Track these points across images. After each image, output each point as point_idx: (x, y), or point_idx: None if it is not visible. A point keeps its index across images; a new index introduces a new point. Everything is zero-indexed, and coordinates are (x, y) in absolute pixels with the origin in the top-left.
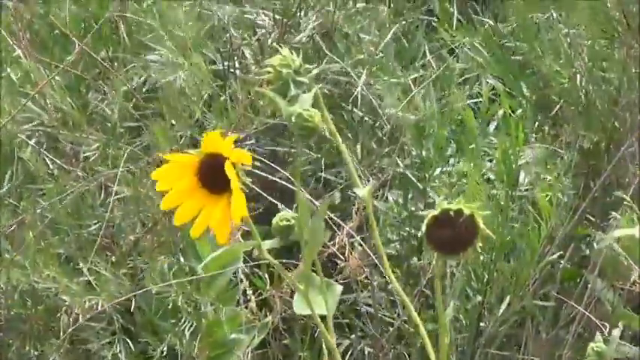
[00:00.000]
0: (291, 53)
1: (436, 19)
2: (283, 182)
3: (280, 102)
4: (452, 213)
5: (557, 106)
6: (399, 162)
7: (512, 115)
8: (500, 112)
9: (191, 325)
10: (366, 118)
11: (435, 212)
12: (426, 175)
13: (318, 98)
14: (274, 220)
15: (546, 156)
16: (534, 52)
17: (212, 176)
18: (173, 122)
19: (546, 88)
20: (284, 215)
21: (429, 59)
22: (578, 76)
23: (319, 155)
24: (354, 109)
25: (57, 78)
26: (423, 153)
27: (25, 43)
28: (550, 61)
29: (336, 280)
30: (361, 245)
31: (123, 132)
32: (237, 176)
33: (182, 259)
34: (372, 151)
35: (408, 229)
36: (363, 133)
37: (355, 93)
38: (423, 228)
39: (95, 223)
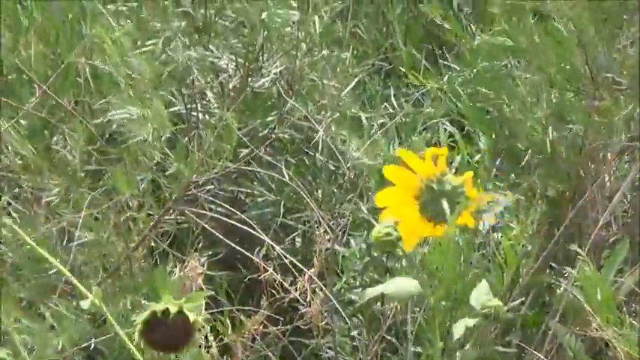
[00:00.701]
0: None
1: (399, 66)
2: (244, 227)
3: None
4: (160, 314)
5: (525, 155)
6: (362, 206)
7: (469, 161)
8: (458, 158)
9: None
10: (328, 163)
11: (145, 316)
12: None
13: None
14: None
15: (512, 204)
16: (500, 99)
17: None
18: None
19: (513, 136)
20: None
21: (393, 105)
22: (543, 124)
23: (279, 198)
24: (316, 155)
25: (20, 122)
26: None
27: None
28: (515, 109)
29: (297, 326)
30: (322, 290)
31: (84, 176)
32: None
33: (145, 303)
34: (333, 195)
35: (370, 274)
36: (325, 178)
37: (316, 138)
38: (136, 334)
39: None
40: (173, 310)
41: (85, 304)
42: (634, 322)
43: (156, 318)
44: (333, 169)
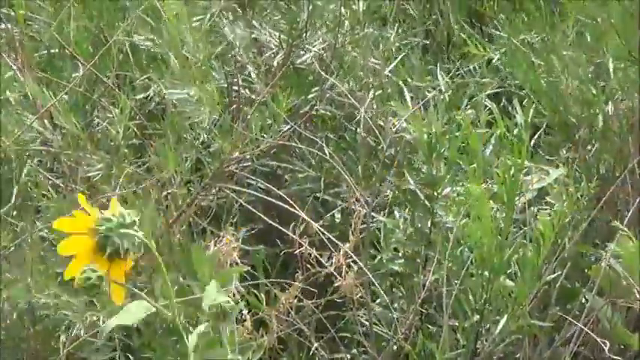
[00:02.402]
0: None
1: (443, 42)
2: (282, 203)
3: None
4: None
5: (574, 130)
6: (410, 179)
7: (507, 136)
8: (497, 132)
9: (190, 345)
10: (368, 139)
11: None
12: (434, 194)
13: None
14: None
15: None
16: (554, 71)
17: None
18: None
19: (566, 110)
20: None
21: (437, 80)
22: (597, 97)
23: (319, 174)
24: (357, 130)
25: (63, 97)
26: (433, 172)
27: (22, 61)
28: (568, 81)
29: (332, 300)
30: (357, 264)
31: (126, 152)
32: None
33: (181, 279)
34: (373, 171)
35: (413, 246)
36: (365, 154)
37: (359, 116)
38: None
39: None
40: None
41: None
42: None
43: None
44: (374, 144)
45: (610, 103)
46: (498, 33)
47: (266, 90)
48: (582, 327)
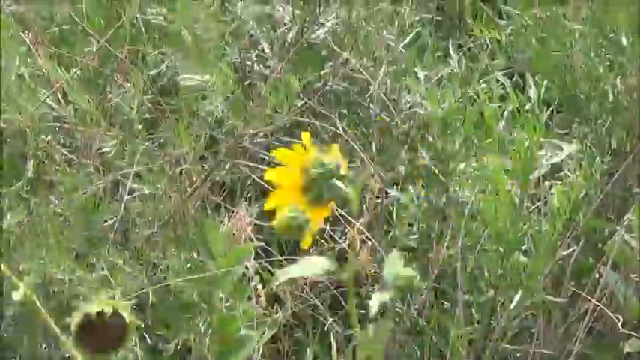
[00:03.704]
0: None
1: (456, 17)
2: None
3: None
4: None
5: (585, 105)
6: (424, 154)
7: (520, 110)
8: (510, 107)
9: (204, 321)
10: (382, 115)
11: (78, 320)
12: (449, 169)
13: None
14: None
15: (572, 153)
16: (564, 48)
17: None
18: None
19: (575, 85)
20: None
21: (450, 56)
22: (607, 73)
23: None
24: (370, 106)
25: (76, 72)
26: (448, 147)
27: (35, 37)
28: (578, 57)
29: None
30: (371, 240)
31: (140, 128)
32: None
33: (195, 255)
34: (387, 147)
35: (428, 221)
36: (378, 130)
37: (371, 91)
38: (72, 336)
39: (109, 219)
40: (107, 310)
41: (15, 296)
42: None
43: (89, 320)
44: (387, 120)
45: (619, 78)
46: (509, 9)
47: (280, 66)
48: (596, 302)
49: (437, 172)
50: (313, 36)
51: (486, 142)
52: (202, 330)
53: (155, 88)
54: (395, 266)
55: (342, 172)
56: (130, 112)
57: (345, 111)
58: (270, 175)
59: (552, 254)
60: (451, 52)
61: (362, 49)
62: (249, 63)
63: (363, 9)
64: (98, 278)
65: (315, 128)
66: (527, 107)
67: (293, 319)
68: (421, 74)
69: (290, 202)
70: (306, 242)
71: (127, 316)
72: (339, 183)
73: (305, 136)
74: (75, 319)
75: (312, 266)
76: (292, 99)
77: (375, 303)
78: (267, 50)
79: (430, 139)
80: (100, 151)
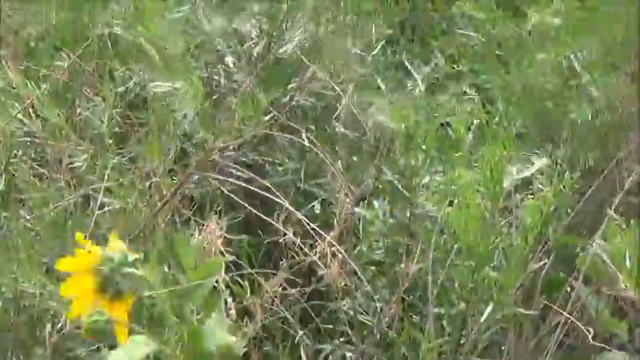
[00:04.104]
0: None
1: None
2: (264, 192)
3: None
4: None
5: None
6: (386, 170)
7: (488, 124)
8: (477, 121)
9: (175, 334)
10: (348, 130)
11: None
12: (414, 184)
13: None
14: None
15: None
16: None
17: None
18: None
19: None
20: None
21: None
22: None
23: (299, 166)
24: (337, 124)
25: (46, 87)
26: (412, 162)
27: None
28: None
29: (317, 289)
30: (341, 253)
31: (110, 142)
32: None
33: (166, 269)
34: (354, 162)
35: (393, 236)
36: (345, 144)
37: (339, 109)
38: None
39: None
40: None
41: None
42: None
43: None
44: (356, 135)
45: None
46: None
47: (248, 80)
48: (568, 315)
49: (400, 187)
50: (281, 51)
51: (455, 155)
52: (173, 343)
53: (124, 103)
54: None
55: (130, 258)
56: (100, 126)
57: (312, 126)
58: (63, 289)
59: (523, 268)
60: (412, 68)
61: (328, 64)
62: (216, 77)
63: (330, 24)
64: None
65: (283, 144)
66: (495, 120)
67: (263, 332)
68: (384, 88)
69: (90, 305)
70: (122, 338)
71: None
72: (134, 271)
73: (79, 236)
74: None
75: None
76: (260, 114)
77: None
78: (231, 65)
79: (393, 154)
80: (70, 165)
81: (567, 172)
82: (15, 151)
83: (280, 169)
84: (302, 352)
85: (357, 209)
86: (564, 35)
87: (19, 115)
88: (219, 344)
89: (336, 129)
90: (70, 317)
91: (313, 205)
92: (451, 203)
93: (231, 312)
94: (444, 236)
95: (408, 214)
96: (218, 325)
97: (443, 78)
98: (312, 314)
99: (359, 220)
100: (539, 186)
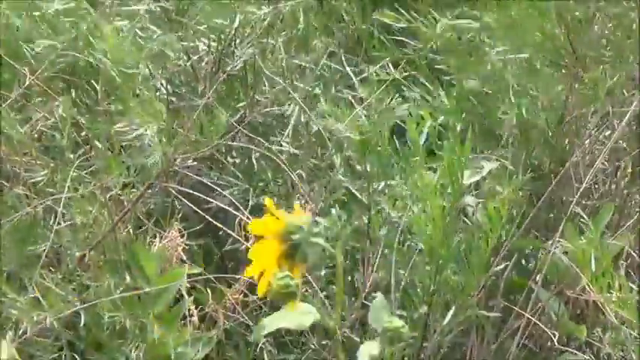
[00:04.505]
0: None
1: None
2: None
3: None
4: None
5: (501, 131)
6: (342, 177)
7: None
8: (428, 123)
9: (137, 343)
10: (294, 149)
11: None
12: (370, 190)
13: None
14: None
15: (496, 172)
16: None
17: None
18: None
19: (486, 114)
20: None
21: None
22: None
23: (249, 186)
24: (286, 140)
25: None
26: (366, 168)
27: None
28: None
29: None
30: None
31: (71, 157)
32: None
33: (128, 278)
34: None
35: (351, 243)
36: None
37: (289, 126)
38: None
39: (40, 244)
40: None
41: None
42: (627, 283)
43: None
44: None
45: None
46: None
47: (208, 96)
48: (530, 317)
49: (356, 192)
50: (230, 67)
51: (412, 158)
52: (136, 351)
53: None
54: (381, 315)
55: (317, 229)
56: (60, 140)
57: (262, 140)
58: (254, 252)
59: (485, 270)
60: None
61: (277, 79)
62: (176, 91)
63: (278, 37)
64: (29, 300)
65: (247, 151)
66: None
67: (225, 338)
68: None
69: (272, 268)
70: (292, 304)
71: None
72: (321, 242)
73: (269, 201)
74: None
75: (298, 317)
76: (219, 129)
77: (364, 354)
78: (182, 81)
79: (349, 161)
80: (30, 180)
81: (517, 175)
82: None
83: (227, 192)
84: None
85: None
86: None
87: None
88: None
89: (284, 144)
90: (248, 275)
91: None
92: (409, 207)
93: (193, 318)
94: (407, 241)
95: (366, 220)
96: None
97: (385, 86)
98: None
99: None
100: (491, 188)
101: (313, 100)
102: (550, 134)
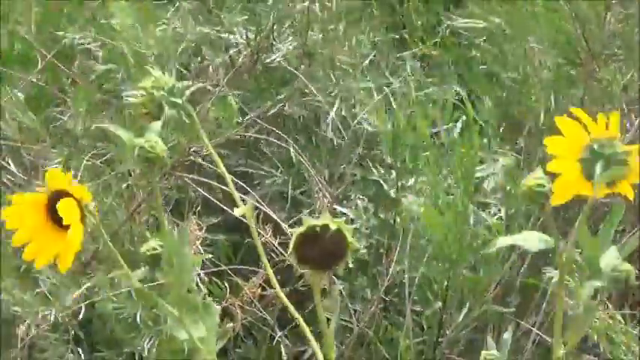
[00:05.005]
0: (163, 74)
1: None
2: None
3: (123, 134)
4: (318, 229)
5: (524, 121)
6: (374, 170)
7: (476, 120)
8: (463, 117)
9: (150, 336)
10: (335, 138)
11: (302, 230)
12: (398, 184)
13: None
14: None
15: (508, 165)
16: (499, 65)
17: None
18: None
19: (511, 103)
20: (151, 244)
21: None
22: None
23: (287, 177)
24: (325, 133)
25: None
26: (396, 162)
27: None
28: (514, 76)
29: (296, 289)
30: None
31: (86, 144)
32: (80, 209)
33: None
34: (338, 167)
35: (377, 236)
36: (331, 152)
37: (327, 118)
38: (291, 246)
39: None
40: (332, 227)
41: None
42: None
43: (313, 233)
44: (340, 140)
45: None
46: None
47: (222, 84)
48: (544, 315)
49: (386, 187)
50: (268, 60)
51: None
52: (147, 345)
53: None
54: (610, 257)
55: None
56: (74, 129)
57: (298, 136)
58: (551, 142)
59: (500, 266)
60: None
61: (317, 73)
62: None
63: (320, 31)
64: (40, 296)
65: (270, 154)
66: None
67: (243, 331)
68: (374, 90)
69: (566, 170)
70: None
71: (348, 235)
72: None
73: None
74: (297, 233)
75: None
76: (233, 117)
77: (587, 290)
78: (216, 71)
79: (379, 154)
80: (44, 168)
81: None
82: None
83: (267, 182)
84: (283, 353)
85: (338, 207)
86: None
87: None
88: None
89: (324, 134)
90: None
91: (297, 210)
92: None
93: None
94: (424, 236)
95: (393, 214)
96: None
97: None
98: (291, 315)
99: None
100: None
101: (352, 92)
102: None
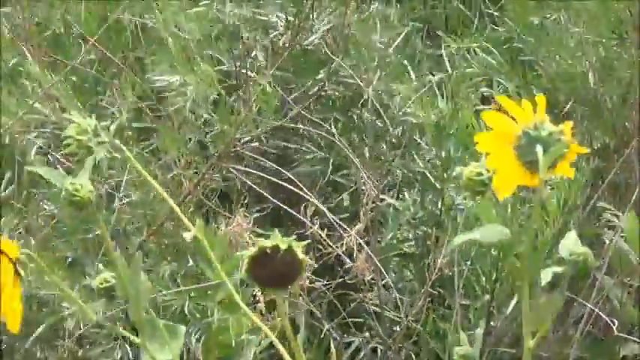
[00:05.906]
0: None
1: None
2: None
3: (53, 177)
4: (269, 251)
5: (567, 106)
6: (419, 161)
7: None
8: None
9: (197, 330)
10: (376, 121)
11: (253, 252)
12: (444, 175)
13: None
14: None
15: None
16: (541, 52)
17: None
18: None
19: (554, 89)
20: (103, 277)
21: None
22: (590, 75)
23: (327, 156)
24: (364, 112)
25: (69, 78)
26: (442, 153)
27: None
28: (558, 61)
29: (344, 281)
30: (367, 245)
31: (132, 134)
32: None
33: (191, 262)
34: (381, 152)
35: (424, 228)
36: (372, 135)
37: (365, 96)
38: (243, 268)
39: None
40: (282, 246)
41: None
42: None
43: (264, 254)
44: (381, 125)
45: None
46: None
47: (269, 72)
48: (592, 307)
49: (432, 178)
50: (307, 42)
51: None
52: (194, 340)
53: (153, 94)
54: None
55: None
56: (120, 119)
57: (339, 116)
58: (481, 138)
59: (546, 257)
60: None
61: (353, 54)
62: (243, 71)
63: (356, 12)
64: (88, 290)
65: (310, 135)
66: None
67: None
68: (413, 78)
69: (503, 162)
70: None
71: (300, 254)
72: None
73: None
74: (248, 252)
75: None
76: (273, 104)
77: (547, 275)
78: (259, 56)
79: (424, 144)
80: None
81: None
82: (37, 144)
83: (308, 157)
84: (331, 345)
85: (386, 198)
86: None
87: (41, 107)
88: None
89: (364, 116)
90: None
91: (342, 197)
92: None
93: (258, 305)
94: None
95: (439, 205)
96: None
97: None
98: (339, 307)
99: (387, 212)
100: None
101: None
102: (615, 113)
